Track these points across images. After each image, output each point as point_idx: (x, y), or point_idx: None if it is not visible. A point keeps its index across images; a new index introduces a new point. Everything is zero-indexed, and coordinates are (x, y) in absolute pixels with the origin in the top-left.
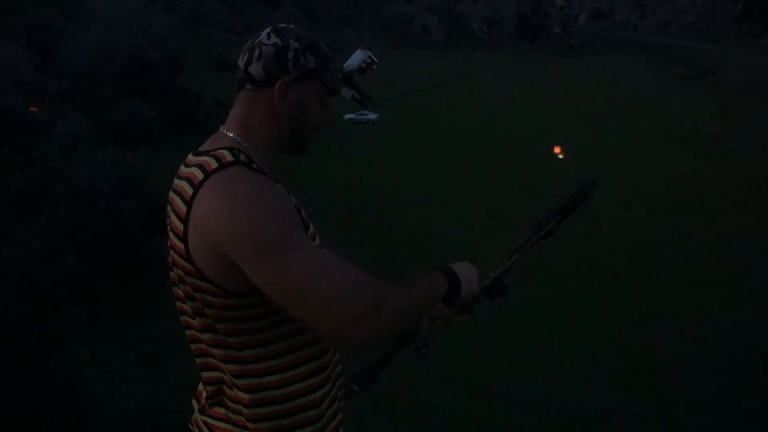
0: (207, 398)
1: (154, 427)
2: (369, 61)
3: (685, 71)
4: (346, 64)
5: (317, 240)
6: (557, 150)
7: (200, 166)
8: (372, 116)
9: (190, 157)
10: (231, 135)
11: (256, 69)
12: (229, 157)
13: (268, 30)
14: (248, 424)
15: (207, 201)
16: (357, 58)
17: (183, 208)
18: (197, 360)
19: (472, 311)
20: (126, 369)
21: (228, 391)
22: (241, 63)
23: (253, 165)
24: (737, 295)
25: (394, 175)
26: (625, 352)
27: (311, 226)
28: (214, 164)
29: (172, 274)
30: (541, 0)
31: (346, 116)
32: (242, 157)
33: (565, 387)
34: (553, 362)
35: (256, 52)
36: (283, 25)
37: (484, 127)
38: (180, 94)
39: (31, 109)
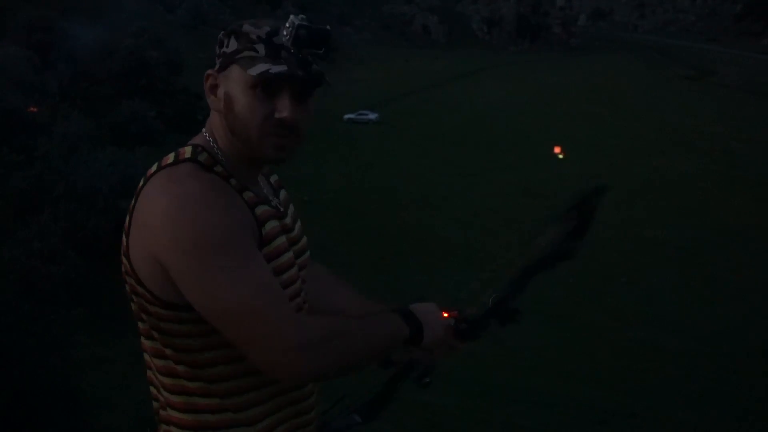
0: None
1: (154, 427)
2: (303, 28)
3: (685, 71)
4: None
5: (285, 257)
6: (557, 150)
7: (159, 161)
8: (372, 116)
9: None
10: (205, 134)
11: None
12: (187, 154)
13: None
14: None
15: (148, 197)
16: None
17: (132, 201)
18: (147, 372)
19: (478, 337)
20: (126, 369)
21: (162, 412)
22: None
23: (215, 168)
24: (737, 295)
25: (394, 175)
26: (625, 352)
27: (281, 242)
28: (171, 159)
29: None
30: (541, 0)
31: (346, 116)
32: (203, 156)
33: (565, 387)
34: (553, 362)
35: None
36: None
37: (484, 127)
38: (180, 94)
39: (31, 109)
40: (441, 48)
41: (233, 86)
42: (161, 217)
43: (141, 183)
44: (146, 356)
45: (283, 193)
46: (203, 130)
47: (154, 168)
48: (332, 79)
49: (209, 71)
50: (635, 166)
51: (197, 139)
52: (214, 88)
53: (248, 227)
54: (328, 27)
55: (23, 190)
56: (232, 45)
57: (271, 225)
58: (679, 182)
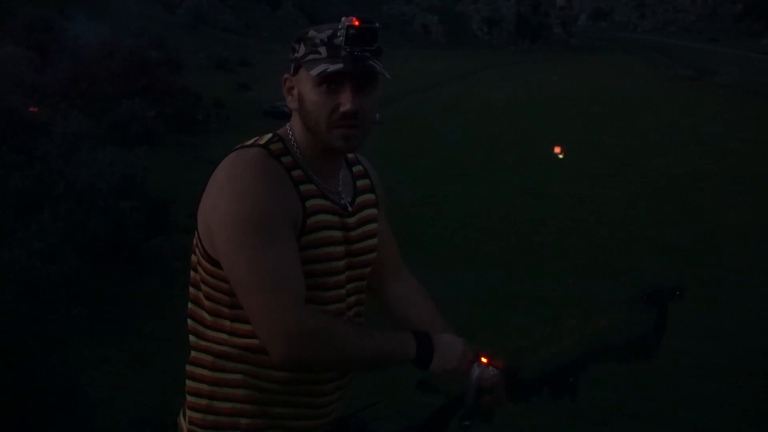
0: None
1: (154, 427)
2: (353, 27)
3: (685, 71)
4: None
5: (329, 249)
6: (557, 150)
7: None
8: None
9: None
10: (287, 127)
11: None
12: (263, 141)
13: None
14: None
15: (216, 170)
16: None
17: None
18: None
19: (528, 401)
20: (126, 369)
21: (192, 352)
22: None
23: (283, 157)
24: (737, 295)
25: (393, 175)
26: None
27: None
28: (249, 142)
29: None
30: (541, 0)
31: None
32: (276, 145)
33: None
34: None
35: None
36: None
37: (484, 127)
38: (180, 94)
39: (31, 109)
40: (441, 48)
41: (303, 86)
42: (216, 190)
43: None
44: (189, 304)
45: (366, 197)
46: (287, 124)
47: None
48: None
49: (286, 75)
50: (635, 166)
51: (281, 130)
52: (291, 89)
53: (288, 215)
54: (377, 24)
55: (23, 190)
56: (301, 50)
57: (321, 217)
58: (679, 182)
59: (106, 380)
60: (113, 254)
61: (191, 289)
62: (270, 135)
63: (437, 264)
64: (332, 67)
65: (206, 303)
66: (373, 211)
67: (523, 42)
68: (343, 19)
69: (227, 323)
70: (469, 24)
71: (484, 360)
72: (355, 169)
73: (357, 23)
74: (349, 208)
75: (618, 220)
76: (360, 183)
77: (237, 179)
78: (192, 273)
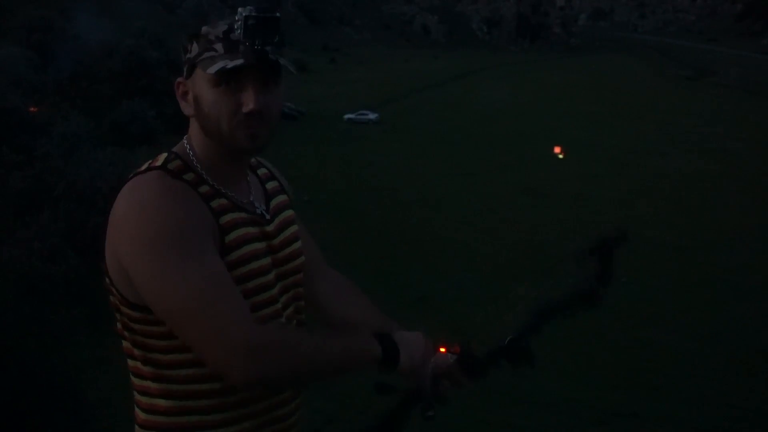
0: None
1: None
2: (251, 18)
3: (685, 71)
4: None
5: (255, 264)
6: (557, 150)
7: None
8: (372, 116)
9: None
10: (184, 142)
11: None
12: (159, 162)
13: None
14: None
15: (116, 203)
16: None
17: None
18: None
19: (486, 375)
20: (126, 369)
21: (135, 410)
22: None
23: (185, 175)
24: (737, 295)
25: (394, 175)
26: (625, 352)
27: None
28: (144, 167)
29: None
30: (541, 0)
31: (347, 116)
32: (174, 164)
33: (565, 387)
34: (553, 362)
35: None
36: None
37: (484, 127)
38: None
39: (31, 109)
40: (441, 48)
41: (199, 88)
42: (119, 220)
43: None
44: (129, 360)
45: (279, 199)
46: (184, 138)
47: (131, 175)
48: (332, 79)
49: (179, 79)
50: (635, 166)
51: (177, 147)
52: (185, 94)
53: (206, 230)
54: (277, 14)
55: (23, 190)
56: (194, 49)
57: (240, 232)
58: (679, 182)
59: (106, 380)
60: None
61: (122, 342)
62: (165, 154)
63: (437, 264)
64: (231, 63)
65: (137, 353)
66: (289, 213)
67: (523, 42)
68: (239, 9)
69: (167, 373)
70: (469, 24)
71: (442, 350)
72: (260, 172)
73: (254, 14)
74: (267, 216)
75: (617, 220)
76: (269, 186)
77: (140, 203)
78: (117, 324)
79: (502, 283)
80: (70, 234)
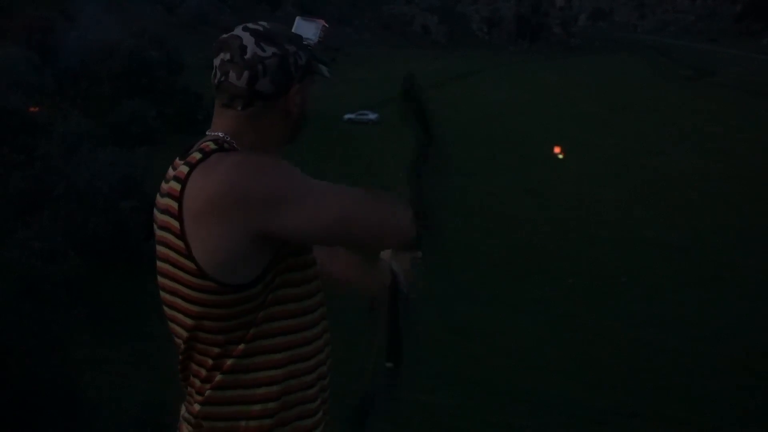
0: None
1: (154, 427)
2: (323, 30)
3: (685, 71)
4: (304, 41)
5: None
6: (557, 150)
7: (187, 163)
8: (372, 116)
9: (177, 161)
10: (220, 134)
11: (264, 85)
12: (213, 146)
13: (251, 38)
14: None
15: (200, 188)
16: (308, 30)
17: (175, 205)
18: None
19: (419, 246)
20: (126, 369)
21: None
22: (237, 81)
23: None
24: (737, 295)
25: (393, 175)
26: (625, 352)
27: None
28: (198, 156)
29: (162, 281)
30: (541, 0)
31: (346, 116)
32: (226, 146)
33: (565, 387)
34: (553, 362)
35: (259, 68)
36: (260, 27)
37: (484, 127)
38: (180, 94)
39: (31, 109)
40: (441, 48)
41: (309, 89)
42: (244, 190)
43: (178, 187)
44: (192, 365)
45: None
46: (214, 134)
47: (186, 170)
48: (332, 79)
49: (298, 85)
50: (635, 167)
51: (212, 137)
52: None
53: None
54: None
55: (23, 190)
56: (303, 57)
57: None
58: (679, 182)
59: (106, 380)
60: (113, 254)
61: (183, 345)
62: (210, 142)
63: (437, 264)
64: (325, 69)
65: (219, 338)
66: None
67: (523, 42)
68: (305, 18)
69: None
70: (469, 24)
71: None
72: None
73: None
74: None
75: (617, 220)
76: None
77: (246, 167)
78: (178, 328)
79: (502, 283)
80: (70, 234)
